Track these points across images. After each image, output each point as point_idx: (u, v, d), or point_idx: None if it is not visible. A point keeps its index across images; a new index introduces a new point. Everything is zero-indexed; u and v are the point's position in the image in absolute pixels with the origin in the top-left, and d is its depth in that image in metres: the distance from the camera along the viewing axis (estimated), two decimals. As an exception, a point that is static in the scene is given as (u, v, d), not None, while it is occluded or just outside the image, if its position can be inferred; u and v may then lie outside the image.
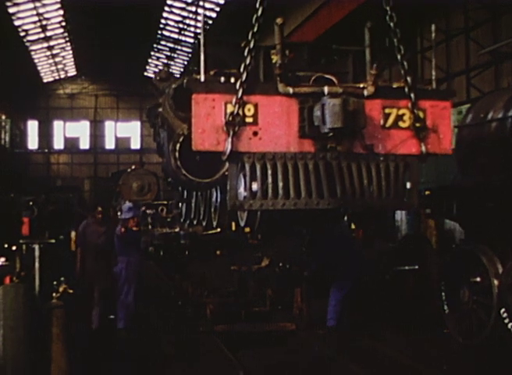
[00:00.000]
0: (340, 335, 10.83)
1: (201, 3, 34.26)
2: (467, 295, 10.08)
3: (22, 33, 39.77)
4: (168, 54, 47.73)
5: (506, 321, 9.12)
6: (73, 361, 7.59)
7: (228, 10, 31.83)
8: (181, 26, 40.85)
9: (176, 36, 43.30)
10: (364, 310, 11.50)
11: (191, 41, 41.28)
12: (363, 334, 10.81)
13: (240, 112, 7.62)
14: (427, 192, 12.13)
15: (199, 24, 34.90)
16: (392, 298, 11.92)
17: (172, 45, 45.59)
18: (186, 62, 46.97)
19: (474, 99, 18.83)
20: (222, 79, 7.95)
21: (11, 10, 35.65)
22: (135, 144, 54.18)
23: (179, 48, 45.61)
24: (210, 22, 35.74)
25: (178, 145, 10.06)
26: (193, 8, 35.98)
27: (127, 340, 10.98)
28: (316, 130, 7.73)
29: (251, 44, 7.61)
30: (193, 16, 36.52)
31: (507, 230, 9.60)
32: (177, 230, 21.47)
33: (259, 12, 7.59)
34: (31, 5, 36.48)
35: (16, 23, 37.83)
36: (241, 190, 8.04)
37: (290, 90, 7.84)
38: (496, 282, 9.45)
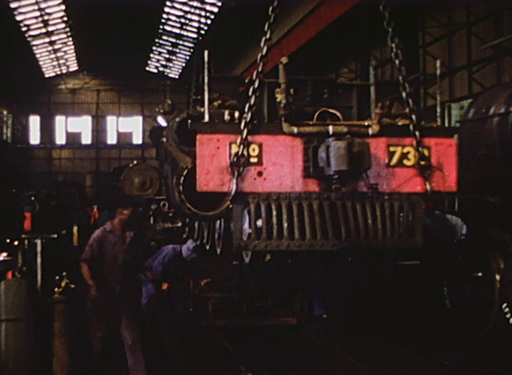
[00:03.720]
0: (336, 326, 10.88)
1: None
2: (468, 290, 10.09)
3: (23, 29, 39.71)
4: (170, 49, 47.69)
5: (508, 316, 9.13)
6: (74, 355, 7.61)
7: (230, 6, 31.81)
8: (183, 20, 40.79)
9: (177, 31, 43.24)
10: (366, 305, 11.50)
11: (193, 35, 41.21)
12: (364, 329, 10.82)
13: (245, 153, 7.62)
14: (428, 187, 12.12)
15: (202, 22, 34.93)
16: (394, 292, 11.93)
17: (173, 40, 45.54)
18: (187, 58, 46.94)
19: (475, 94, 18.82)
20: (227, 113, 7.95)
21: (12, 5, 35.58)
22: (137, 139, 54.10)
23: (181, 42, 45.55)
24: (212, 17, 35.72)
25: (182, 179, 10.07)
26: (195, 3, 35.94)
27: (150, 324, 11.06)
28: (321, 171, 7.73)
29: (256, 84, 7.62)
30: (195, 11, 36.50)
31: (509, 225, 9.60)
32: (179, 224, 21.47)
33: (264, 51, 7.61)
34: (33, 0, 36.42)
35: (18, 18, 37.76)
36: (246, 226, 8.02)
37: (295, 129, 7.84)
38: (498, 277, 9.46)
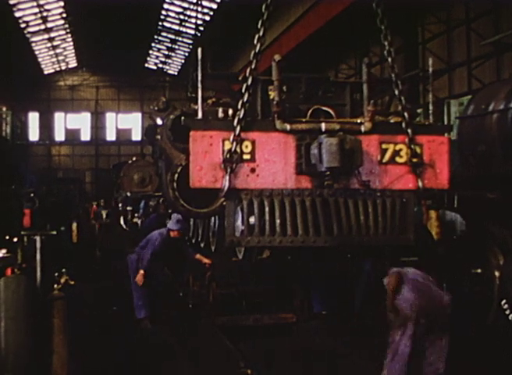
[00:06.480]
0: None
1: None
2: (468, 287, 10.08)
3: (22, 25, 39.73)
4: (169, 45, 47.69)
5: (507, 312, 9.13)
6: (74, 352, 7.61)
7: (228, 4, 31.84)
8: (182, 17, 40.79)
9: (176, 27, 43.25)
10: (364, 302, 11.49)
11: (192, 32, 41.22)
12: (363, 326, 10.82)
13: (238, 150, 7.63)
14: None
15: (201, 18, 34.91)
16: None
17: (172, 37, 45.55)
18: (187, 54, 46.94)
19: (475, 90, 18.82)
20: (221, 110, 7.96)
21: (11, 1, 35.60)
22: (136, 136, 54.14)
23: (180, 39, 45.56)
24: (211, 13, 35.74)
25: (176, 176, 10.07)
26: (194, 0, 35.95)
27: (151, 329, 11.02)
28: (313, 167, 7.75)
29: (249, 81, 7.62)
30: (194, 7, 36.49)
31: (508, 221, 9.60)
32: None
33: (257, 49, 7.61)
34: (32, -3, 36.50)
35: (17, 14, 37.79)
36: (239, 223, 8.04)
37: (288, 126, 7.86)
38: (497, 273, 9.46)
